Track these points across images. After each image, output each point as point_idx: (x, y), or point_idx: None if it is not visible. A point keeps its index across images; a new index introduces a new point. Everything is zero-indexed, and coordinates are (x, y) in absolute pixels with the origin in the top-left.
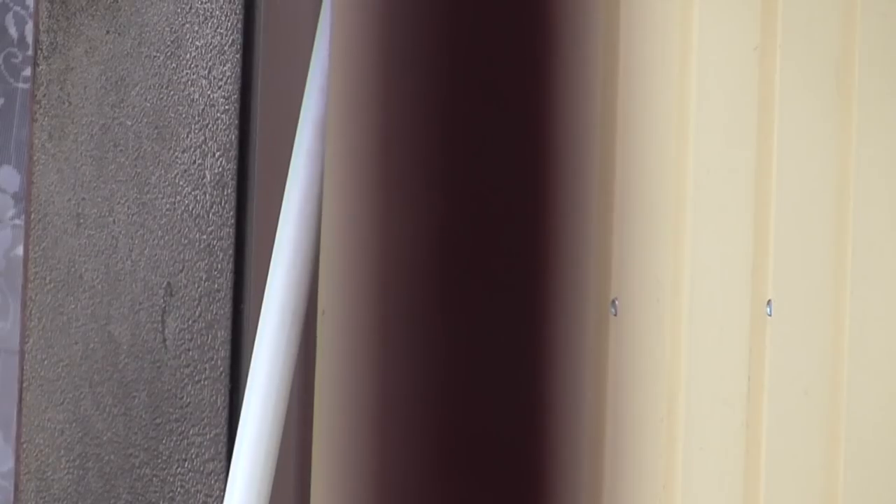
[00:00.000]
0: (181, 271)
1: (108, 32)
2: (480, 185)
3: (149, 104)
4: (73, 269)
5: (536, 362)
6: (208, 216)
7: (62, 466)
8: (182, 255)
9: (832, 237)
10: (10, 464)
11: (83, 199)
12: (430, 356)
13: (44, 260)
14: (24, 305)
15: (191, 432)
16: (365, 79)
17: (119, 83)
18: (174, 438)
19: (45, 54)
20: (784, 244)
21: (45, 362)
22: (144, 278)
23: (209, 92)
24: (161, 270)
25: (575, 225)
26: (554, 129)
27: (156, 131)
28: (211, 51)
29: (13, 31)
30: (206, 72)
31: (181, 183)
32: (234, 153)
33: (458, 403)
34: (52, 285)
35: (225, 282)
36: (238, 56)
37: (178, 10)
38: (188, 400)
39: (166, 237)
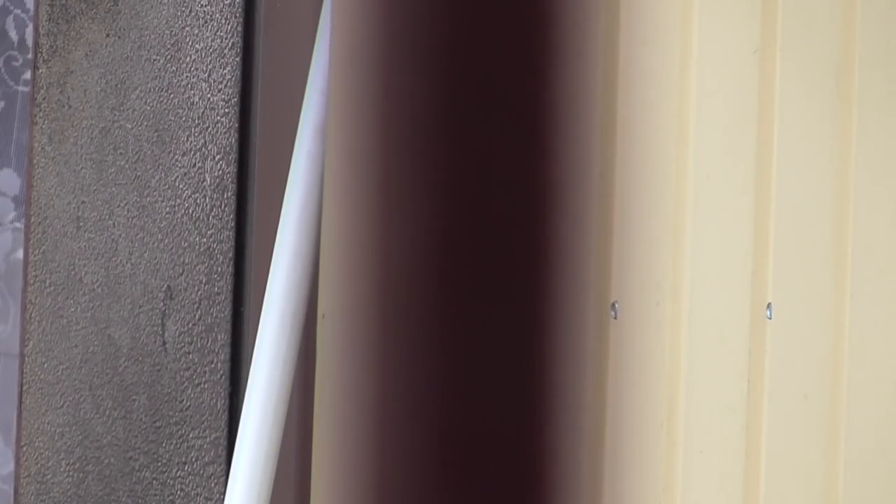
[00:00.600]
0: (181, 274)
1: (107, 36)
2: (481, 188)
3: (149, 107)
4: (72, 273)
5: (536, 365)
6: (208, 219)
7: (62, 469)
8: (182, 259)
9: (832, 240)
10: (10, 467)
11: (83, 202)
12: (431, 360)
13: (44, 263)
14: (23, 308)
15: (191, 435)
16: (365, 82)
17: (119, 86)
18: (174, 441)
19: (45, 57)
20: (784, 247)
21: (45, 365)
22: (144, 281)
23: (209, 95)
24: (161, 274)
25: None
26: (554, 132)
27: (156, 134)
28: (211, 54)
29: (13, 35)
30: (206, 75)
31: (181, 186)
32: (234, 156)
33: (458, 407)
34: (52, 288)
35: (225, 285)
36: (238, 59)
37: (178, 14)
38: (188, 403)
39: (166, 240)
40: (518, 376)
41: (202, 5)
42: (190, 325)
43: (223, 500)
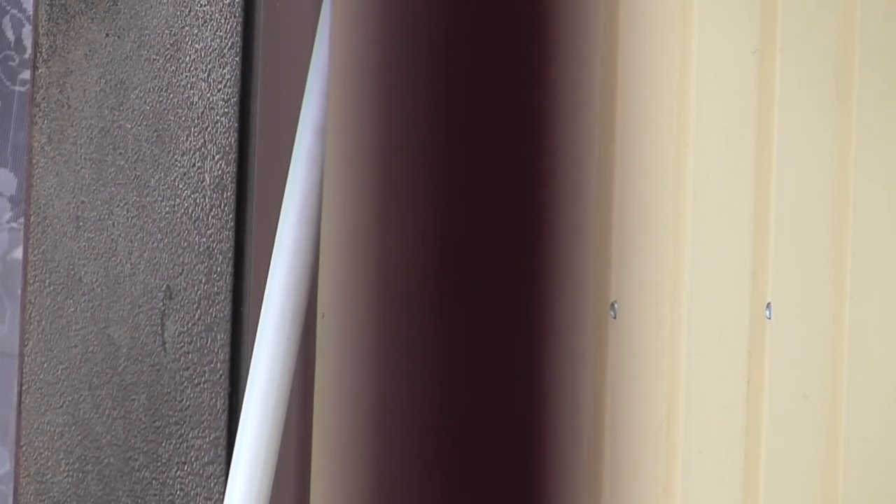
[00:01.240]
0: (180, 274)
1: (107, 35)
2: (480, 188)
3: (148, 107)
4: (72, 272)
5: (535, 365)
6: (208, 219)
7: (62, 469)
8: (181, 258)
9: (831, 240)
10: (7, 466)
11: (82, 201)
12: (430, 360)
13: (43, 263)
14: (23, 308)
15: (190, 435)
16: (364, 82)
17: (118, 86)
18: (174, 441)
19: (45, 57)
20: (783, 247)
21: (45, 365)
22: (144, 281)
23: (209, 95)
24: (160, 273)
25: (574, 227)
26: (553, 132)
27: (155, 134)
28: (210, 54)
29: (10, 34)
30: (206, 75)
31: (180, 186)
32: (233, 156)
33: (457, 407)
34: (51, 288)
35: (224, 285)
36: (237, 59)
37: (178, 13)
38: (187, 403)
39: (166, 240)
40: (517, 376)
41: (202, 5)
42: (189, 324)
43: (223, 499)
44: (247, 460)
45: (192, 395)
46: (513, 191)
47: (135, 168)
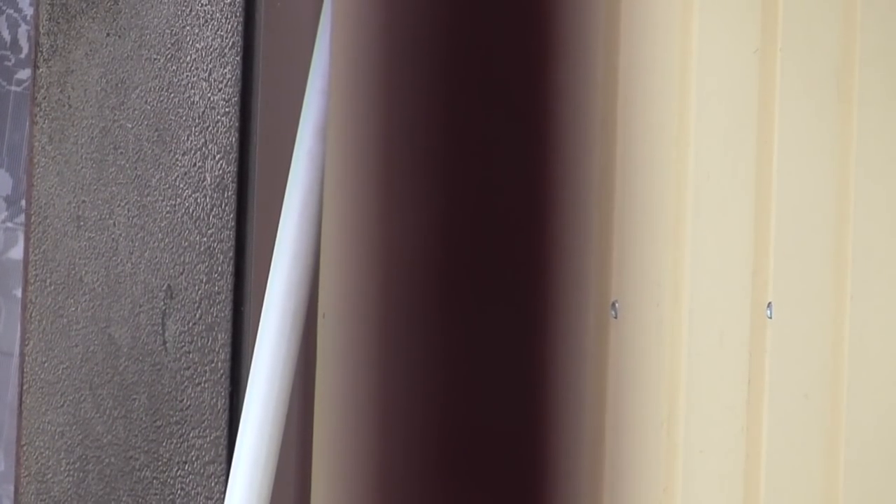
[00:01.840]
0: (181, 274)
1: (108, 35)
2: (481, 187)
3: (149, 107)
4: (73, 272)
5: (536, 364)
6: (209, 219)
7: (62, 469)
8: (182, 258)
9: (832, 240)
10: (1, 466)
11: (83, 201)
12: (431, 359)
13: (44, 262)
14: (24, 308)
15: (191, 435)
16: (366, 81)
17: (119, 86)
18: (174, 441)
19: (46, 57)
20: (784, 247)
21: (46, 365)
22: (145, 281)
23: (209, 94)
24: (161, 273)
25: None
26: (554, 132)
27: (156, 134)
28: (211, 53)
29: (6, 34)
30: (207, 74)
31: (181, 185)
32: (234, 156)
33: (458, 406)
34: (52, 288)
35: (225, 284)
36: (238, 59)
37: (179, 13)
38: (188, 402)
39: (166, 240)
40: (518, 375)
41: (202, 5)
42: (190, 324)
43: (223, 499)
44: (247, 460)
45: (192, 395)
46: (513, 190)
47: (135, 168)
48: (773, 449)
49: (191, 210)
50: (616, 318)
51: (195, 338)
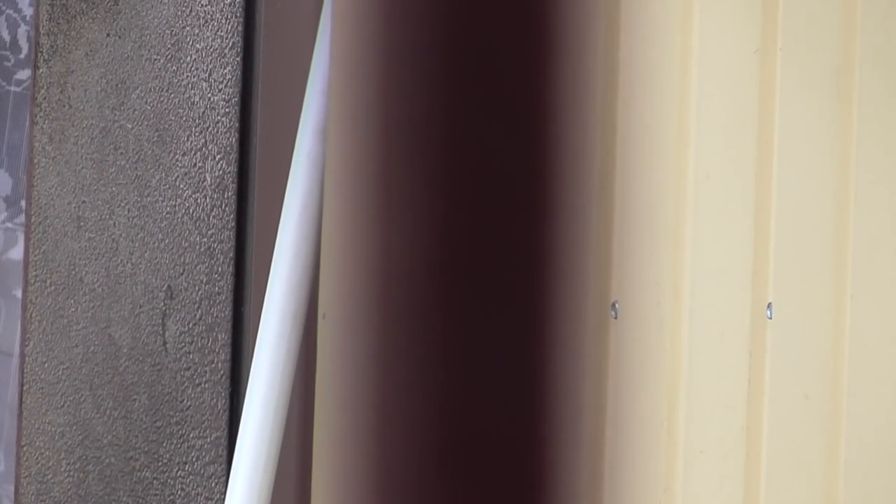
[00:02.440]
0: (181, 274)
1: (108, 35)
2: (481, 188)
3: (149, 107)
4: (73, 272)
5: (536, 365)
6: (209, 219)
7: (63, 469)
8: (182, 258)
9: (832, 240)
10: (1, 467)
11: (83, 202)
12: (431, 360)
13: (44, 263)
14: (24, 308)
15: (191, 435)
16: (365, 82)
17: (119, 86)
18: (174, 441)
19: (46, 57)
20: (784, 247)
21: (46, 365)
22: (145, 281)
23: (209, 95)
24: (161, 273)
25: (575, 227)
26: (554, 133)
27: (156, 134)
28: (211, 54)
29: (5, 35)
30: (207, 75)
31: (181, 186)
32: (234, 156)
33: (458, 407)
34: (52, 288)
35: (225, 285)
36: (238, 59)
37: (179, 13)
38: (188, 403)
39: (167, 240)
40: (518, 376)
41: (202, 5)
42: (190, 324)
43: (224, 499)
44: (248, 460)
45: (193, 395)
46: (514, 191)
47: (136, 168)
48: (774, 449)
49: (191, 210)
50: (616, 318)
51: (195, 338)
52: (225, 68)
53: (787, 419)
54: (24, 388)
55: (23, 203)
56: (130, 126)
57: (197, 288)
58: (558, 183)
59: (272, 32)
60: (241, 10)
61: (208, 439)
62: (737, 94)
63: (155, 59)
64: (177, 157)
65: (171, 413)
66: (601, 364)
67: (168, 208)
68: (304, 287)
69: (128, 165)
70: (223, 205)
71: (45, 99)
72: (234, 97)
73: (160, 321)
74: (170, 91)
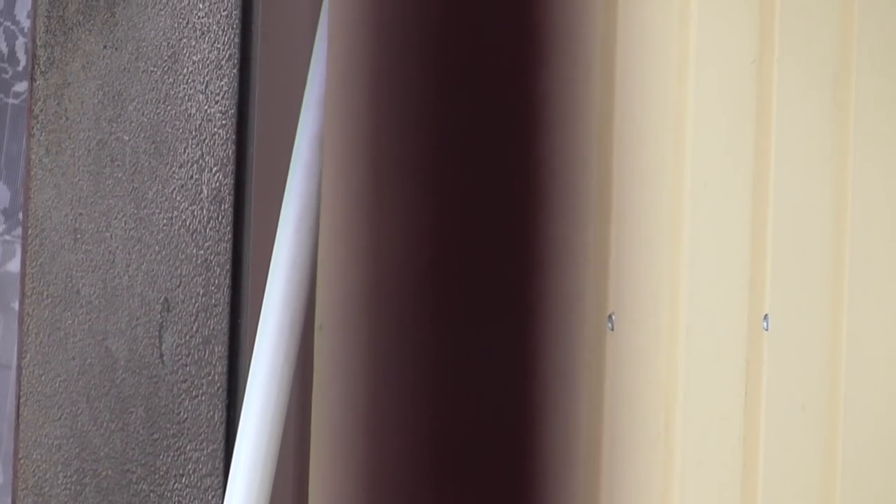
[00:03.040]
0: (178, 286)
1: (105, 47)
2: (477, 199)
3: (146, 119)
4: (70, 285)
5: (533, 376)
6: (205, 231)
7: (59, 482)
8: (179, 270)
9: (830, 251)
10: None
11: (80, 213)
12: (427, 371)
13: (41, 275)
14: (21, 321)
15: (188, 448)
16: (362, 93)
17: (116, 98)
18: (171, 454)
19: (43, 69)
20: (781, 258)
21: (43, 377)
22: (142, 293)
23: (206, 107)
24: (158, 285)
25: (572, 239)
26: (552, 144)
27: (153, 146)
28: (208, 65)
29: (3, 47)
30: (203, 86)
31: (178, 198)
32: (231, 168)
33: (454, 418)
34: (49, 300)
35: (222, 297)
36: (235, 71)
37: (175, 25)
38: (185, 415)
39: (163, 252)
40: (515, 387)
41: (199, 17)
42: (187, 336)
43: None
44: (244, 473)
45: (189, 408)
46: (510, 203)
47: (132, 180)
48: (771, 460)
49: (187, 222)
50: (613, 330)
51: (192, 350)
52: (221, 80)
53: (783, 430)
54: (21, 400)
55: (20, 215)
56: (127, 138)
57: (194, 300)
58: (555, 195)
59: (269, 44)
60: (237, 21)
61: (205, 451)
62: (734, 104)
63: (151, 71)
64: (173, 168)
65: (168, 425)
66: (598, 375)
67: (165, 220)
68: (301, 299)
69: (124, 177)
70: (220, 216)
71: (42, 111)
72: (231, 108)
73: (157, 333)
74: (166, 103)
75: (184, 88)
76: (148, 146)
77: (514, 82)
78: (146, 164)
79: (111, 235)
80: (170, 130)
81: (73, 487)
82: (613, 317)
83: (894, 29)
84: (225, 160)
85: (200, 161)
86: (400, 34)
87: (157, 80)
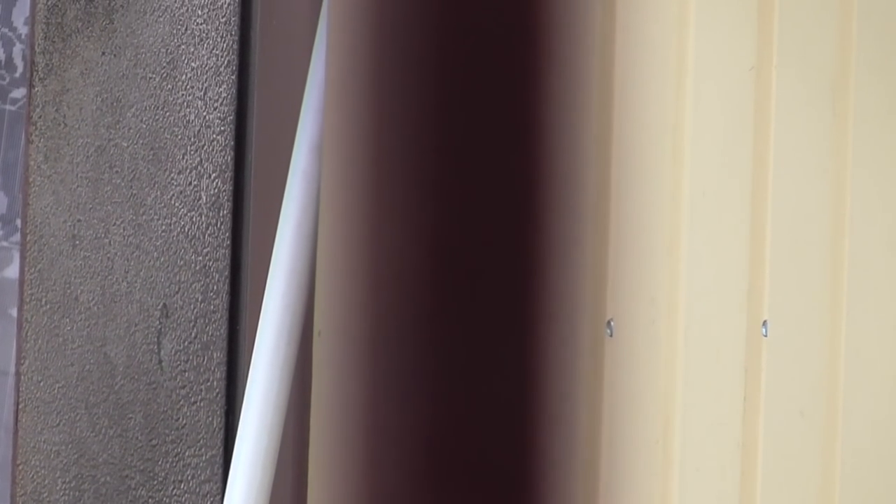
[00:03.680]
0: (177, 293)
1: (103, 54)
2: (476, 205)
3: (144, 125)
4: (68, 291)
5: (532, 382)
6: (204, 237)
7: (58, 488)
8: (178, 277)
9: (828, 257)
10: None
11: (79, 220)
12: (426, 377)
13: (39, 282)
14: (19, 327)
15: (186, 454)
16: (361, 99)
17: (115, 104)
18: (170, 460)
19: (41, 76)
20: (780, 264)
21: (41, 384)
22: (140, 300)
23: (205, 113)
24: (157, 292)
25: (571, 245)
26: (549, 149)
27: (151, 153)
28: (206, 72)
29: (1, 53)
30: (202, 93)
31: (177, 204)
32: (229, 174)
33: (453, 423)
34: (47, 307)
35: (221, 303)
36: (233, 77)
37: (174, 32)
38: (184, 421)
39: (162, 258)
40: (514, 393)
41: (198, 23)
42: (186, 343)
43: None
44: (243, 478)
45: (188, 414)
46: (509, 208)
47: (131, 186)
48: (769, 466)
49: (186, 229)
50: (611, 336)
51: (191, 356)
52: (220, 86)
53: (782, 437)
54: (20, 406)
55: (18, 221)
56: (125, 144)
57: (192, 306)
58: (553, 200)
59: (267, 50)
60: (236, 28)
61: (204, 458)
62: (733, 111)
63: (150, 78)
64: (172, 175)
65: (167, 431)
66: (596, 381)
67: (163, 227)
68: (300, 305)
69: (123, 184)
70: (218, 223)
71: (40, 117)
72: (230, 115)
73: (155, 339)
74: (165, 109)
75: (182, 95)
76: (146, 153)
77: (514, 87)
78: (145, 170)
79: (110, 242)
80: (168, 137)
81: (71, 494)
82: (612, 323)
83: (893, 36)
84: (223, 166)
85: (199, 167)
86: (398, 41)
87: (155, 87)
